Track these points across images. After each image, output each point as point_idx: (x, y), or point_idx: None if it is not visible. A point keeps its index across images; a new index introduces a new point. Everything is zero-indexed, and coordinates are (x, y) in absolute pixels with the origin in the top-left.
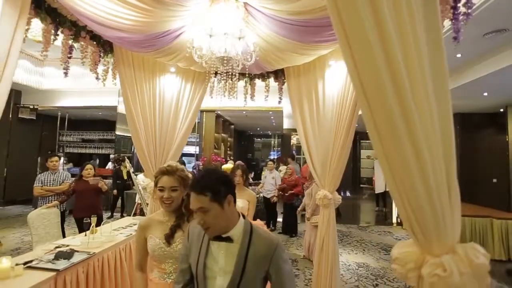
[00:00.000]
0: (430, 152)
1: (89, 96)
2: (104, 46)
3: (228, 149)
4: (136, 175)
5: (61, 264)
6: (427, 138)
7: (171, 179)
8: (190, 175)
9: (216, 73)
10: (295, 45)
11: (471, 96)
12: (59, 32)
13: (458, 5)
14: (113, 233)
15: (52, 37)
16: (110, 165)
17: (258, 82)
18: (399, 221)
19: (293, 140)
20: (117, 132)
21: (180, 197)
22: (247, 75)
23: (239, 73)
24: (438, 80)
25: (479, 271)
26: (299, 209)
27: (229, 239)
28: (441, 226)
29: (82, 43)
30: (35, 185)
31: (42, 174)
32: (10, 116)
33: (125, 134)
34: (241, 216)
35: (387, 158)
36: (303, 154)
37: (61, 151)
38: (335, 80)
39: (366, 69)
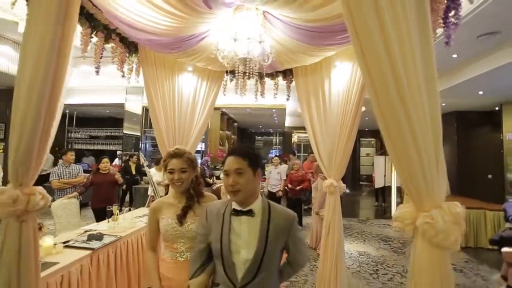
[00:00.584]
0: (423, 135)
1: (97, 94)
2: (130, 46)
3: (232, 146)
4: (149, 168)
5: (95, 244)
6: (420, 122)
7: (180, 161)
8: (199, 169)
9: (227, 72)
10: (307, 47)
11: (467, 95)
12: (92, 35)
13: (449, 15)
14: (134, 220)
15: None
16: (117, 161)
17: (267, 80)
18: None
19: (294, 138)
20: (125, 131)
21: (190, 178)
22: (264, 74)
23: (251, 72)
24: (428, 73)
25: (457, 218)
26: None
27: (250, 212)
28: (431, 190)
29: (112, 44)
30: (51, 178)
31: (56, 167)
32: None
33: (132, 133)
34: (259, 194)
35: (392, 141)
36: (303, 152)
37: (69, 147)
38: (340, 79)
39: (374, 69)
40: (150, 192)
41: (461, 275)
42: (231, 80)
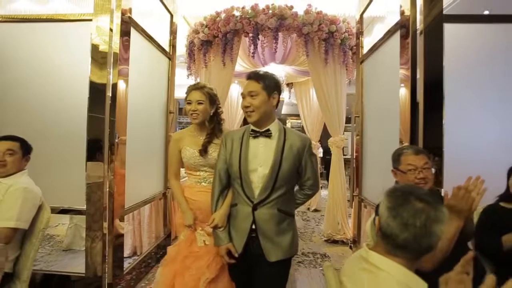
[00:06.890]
0: (332, 108)
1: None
2: None
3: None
4: None
5: None
6: (332, 107)
7: (198, 93)
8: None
9: None
10: (300, 76)
11: None
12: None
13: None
14: None
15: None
16: None
17: None
18: None
19: (288, 124)
20: None
21: (206, 112)
22: None
23: None
24: (337, 92)
25: (343, 139)
26: None
27: (267, 132)
28: (336, 129)
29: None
30: None
31: None
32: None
33: None
34: (276, 118)
35: (323, 111)
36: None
37: None
38: None
39: (318, 89)
40: None
41: None
42: None
